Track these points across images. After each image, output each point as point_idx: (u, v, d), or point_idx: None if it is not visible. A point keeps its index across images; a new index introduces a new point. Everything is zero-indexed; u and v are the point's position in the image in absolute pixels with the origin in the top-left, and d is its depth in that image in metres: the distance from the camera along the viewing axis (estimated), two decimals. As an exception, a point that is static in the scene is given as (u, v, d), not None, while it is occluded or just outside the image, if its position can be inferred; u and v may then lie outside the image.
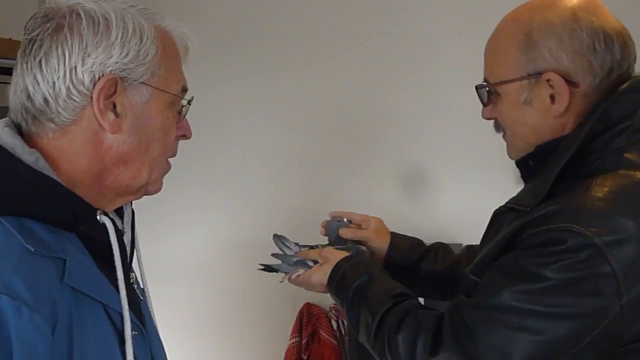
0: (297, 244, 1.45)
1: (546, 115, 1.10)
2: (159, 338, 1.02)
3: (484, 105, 1.19)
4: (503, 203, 1.29)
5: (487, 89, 1.17)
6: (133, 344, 0.87)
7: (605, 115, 1.05)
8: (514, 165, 1.22)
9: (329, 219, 1.52)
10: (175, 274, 2.79)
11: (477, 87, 1.19)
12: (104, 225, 0.86)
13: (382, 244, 1.48)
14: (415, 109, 2.51)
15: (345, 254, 1.36)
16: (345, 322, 2.48)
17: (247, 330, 2.75)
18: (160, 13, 0.91)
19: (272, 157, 2.68)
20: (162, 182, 0.96)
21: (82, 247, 0.85)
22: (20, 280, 0.73)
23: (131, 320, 0.87)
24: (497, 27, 1.17)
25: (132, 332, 0.88)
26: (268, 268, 1.40)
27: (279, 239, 1.45)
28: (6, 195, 0.80)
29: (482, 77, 1.19)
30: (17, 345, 0.71)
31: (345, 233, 1.49)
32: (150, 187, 0.94)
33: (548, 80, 1.07)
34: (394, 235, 1.51)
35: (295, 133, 2.64)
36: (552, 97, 1.09)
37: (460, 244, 2.47)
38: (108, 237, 0.86)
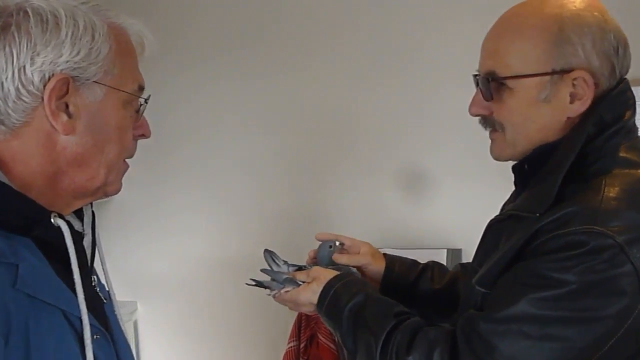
0: (285, 262, 1.41)
1: (561, 114, 1.07)
2: (126, 340, 1.00)
3: (487, 100, 1.11)
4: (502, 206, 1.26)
5: (495, 82, 1.09)
6: (95, 348, 0.85)
7: (600, 119, 1.05)
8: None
9: (323, 239, 1.44)
10: (172, 277, 2.79)
11: (483, 80, 1.11)
12: (59, 228, 0.85)
13: (378, 268, 1.43)
14: (411, 110, 2.48)
15: (335, 272, 1.31)
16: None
17: (245, 334, 2.74)
18: (114, 9, 0.89)
19: (267, 160, 2.66)
20: (121, 183, 0.95)
21: (38, 252, 0.83)
22: None
23: (92, 324, 0.86)
24: (512, 20, 1.10)
25: (94, 336, 0.86)
26: (259, 283, 1.38)
27: (269, 254, 1.41)
28: None
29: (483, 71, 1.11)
30: None
31: (340, 259, 1.41)
32: (108, 188, 0.93)
33: (574, 79, 1.05)
34: (388, 257, 1.45)
35: (290, 136, 2.62)
36: (572, 96, 1.06)
37: (460, 249, 2.46)
38: (64, 240, 0.85)
